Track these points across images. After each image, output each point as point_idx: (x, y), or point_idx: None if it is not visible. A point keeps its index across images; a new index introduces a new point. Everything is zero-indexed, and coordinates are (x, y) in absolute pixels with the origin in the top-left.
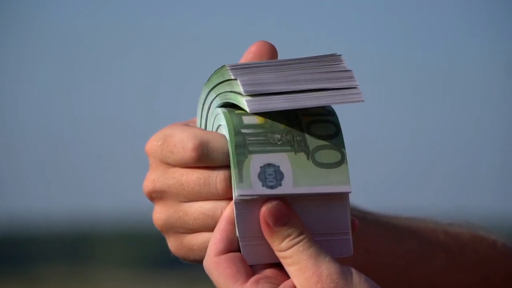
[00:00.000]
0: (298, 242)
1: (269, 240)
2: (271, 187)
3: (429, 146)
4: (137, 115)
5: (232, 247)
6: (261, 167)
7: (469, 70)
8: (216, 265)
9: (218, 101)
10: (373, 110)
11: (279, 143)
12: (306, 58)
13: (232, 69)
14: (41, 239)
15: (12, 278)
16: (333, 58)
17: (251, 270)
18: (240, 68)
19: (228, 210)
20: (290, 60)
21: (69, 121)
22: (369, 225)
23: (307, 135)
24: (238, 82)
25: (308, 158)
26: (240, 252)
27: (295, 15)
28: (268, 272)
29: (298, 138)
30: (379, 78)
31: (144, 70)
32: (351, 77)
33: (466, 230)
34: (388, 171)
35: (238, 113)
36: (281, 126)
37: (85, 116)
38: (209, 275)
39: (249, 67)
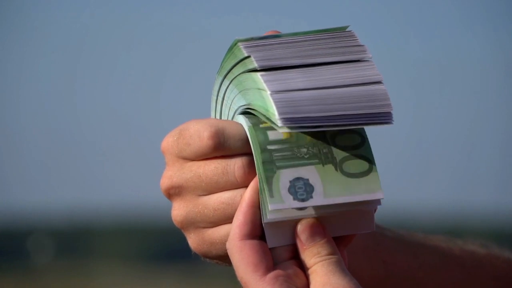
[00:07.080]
0: (324, 260)
1: (302, 257)
2: (303, 200)
3: (428, 143)
4: (135, 109)
5: (256, 231)
6: (290, 181)
7: (468, 67)
8: (239, 250)
9: (232, 89)
10: None
11: (306, 156)
12: (320, 35)
13: (245, 47)
14: (40, 233)
15: (12, 271)
16: (346, 34)
17: (272, 263)
18: (253, 46)
19: (250, 193)
20: (304, 36)
21: (69, 116)
22: (385, 238)
23: (333, 147)
24: (252, 58)
25: (336, 169)
26: (262, 238)
27: (296, 10)
28: (290, 270)
29: (324, 150)
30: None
31: (147, 65)
32: (364, 51)
33: (480, 247)
34: (387, 168)
35: (262, 127)
36: (307, 140)
37: (85, 111)
38: (230, 257)
39: (262, 44)
